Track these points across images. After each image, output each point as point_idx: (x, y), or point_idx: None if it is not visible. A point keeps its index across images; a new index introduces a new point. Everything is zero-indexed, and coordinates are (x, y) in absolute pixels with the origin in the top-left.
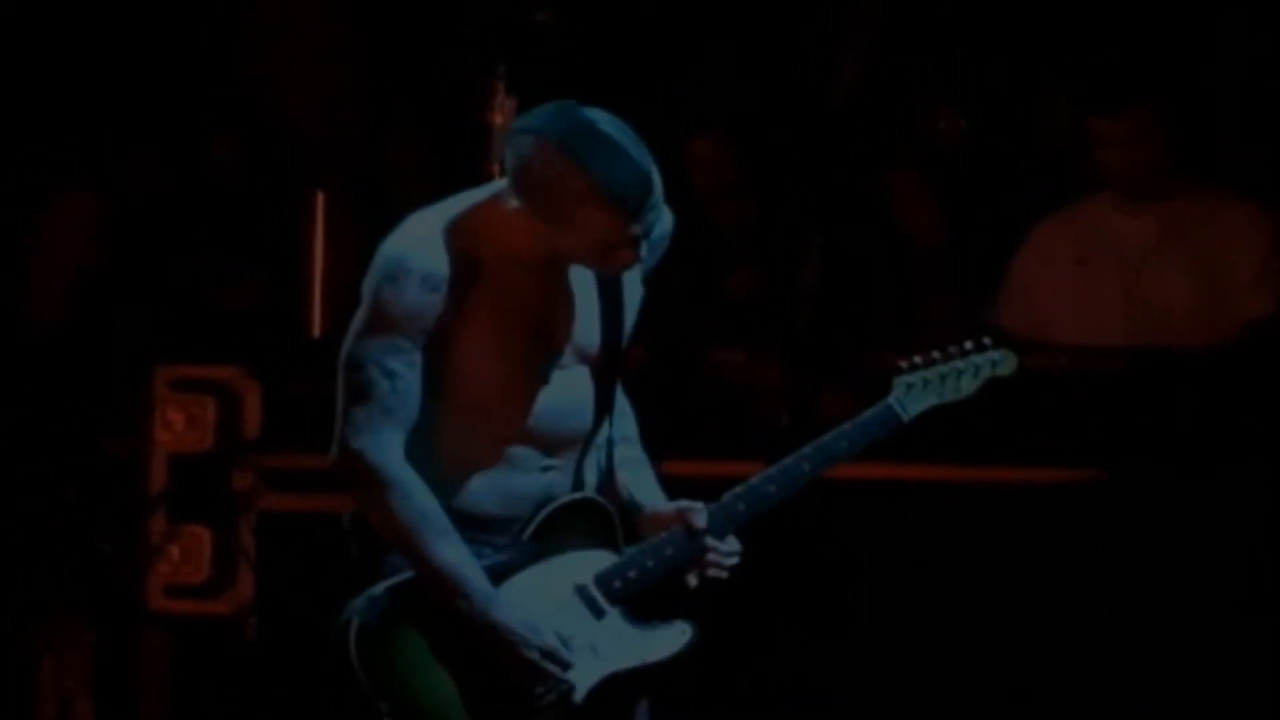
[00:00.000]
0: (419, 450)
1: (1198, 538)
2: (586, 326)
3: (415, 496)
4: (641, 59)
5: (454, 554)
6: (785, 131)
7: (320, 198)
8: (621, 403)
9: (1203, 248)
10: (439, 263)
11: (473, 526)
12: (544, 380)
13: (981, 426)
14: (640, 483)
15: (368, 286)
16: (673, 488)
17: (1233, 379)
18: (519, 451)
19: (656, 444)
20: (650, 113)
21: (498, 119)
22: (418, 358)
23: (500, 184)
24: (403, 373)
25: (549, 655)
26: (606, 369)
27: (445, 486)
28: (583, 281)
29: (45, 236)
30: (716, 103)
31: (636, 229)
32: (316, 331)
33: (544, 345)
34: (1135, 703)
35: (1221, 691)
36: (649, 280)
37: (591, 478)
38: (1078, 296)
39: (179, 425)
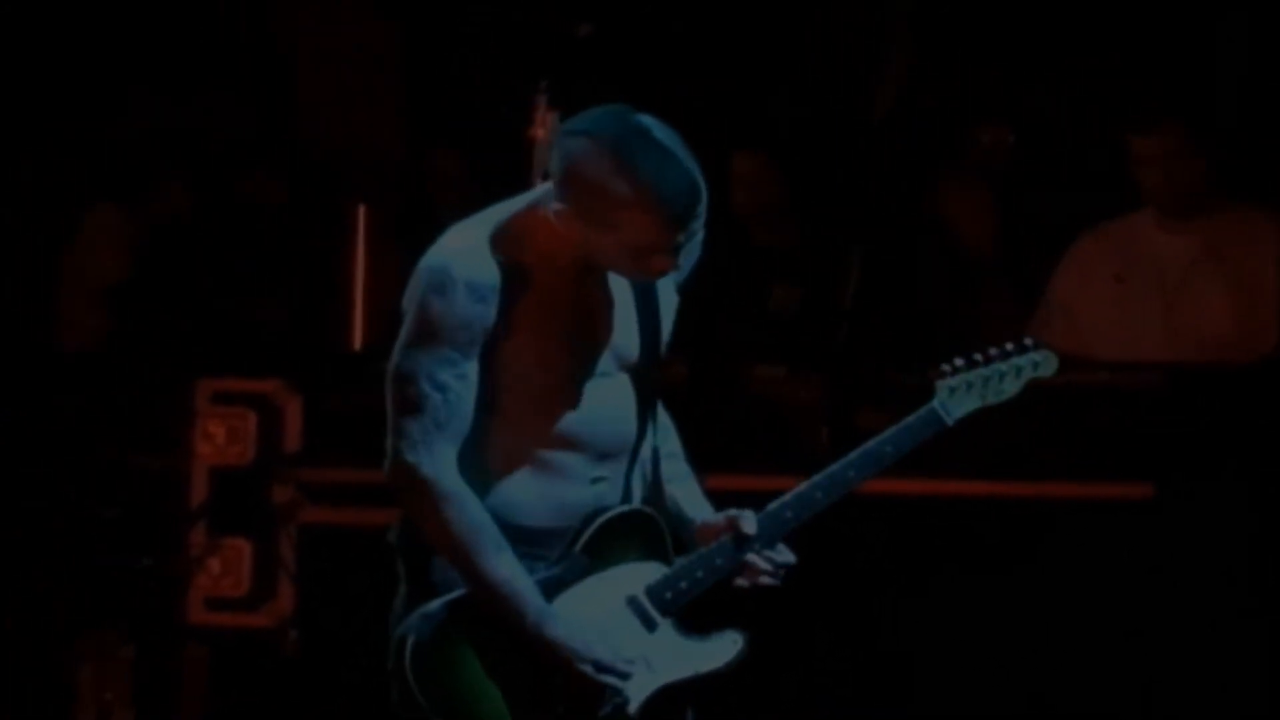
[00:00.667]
0: (468, 462)
1: (1238, 551)
2: (626, 334)
3: (470, 510)
4: (683, 73)
5: (508, 569)
6: (827, 149)
7: (362, 212)
8: (663, 417)
9: (1241, 265)
10: (485, 272)
11: (523, 540)
12: (585, 386)
13: (1021, 442)
14: (688, 496)
15: (412, 298)
16: (714, 502)
17: (1271, 395)
18: (567, 460)
19: (698, 459)
20: (691, 128)
21: (539, 133)
22: (467, 369)
23: (538, 192)
24: (453, 385)
25: (604, 669)
26: (646, 377)
27: (495, 499)
28: (620, 289)
29: (76, 253)
30: (759, 119)
31: (680, 237)
32: (357, 345)
33: (586, 351)
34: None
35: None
36: (684, 290)
37: (639, 489)
38: (1117, 313)
39: (220, 438)
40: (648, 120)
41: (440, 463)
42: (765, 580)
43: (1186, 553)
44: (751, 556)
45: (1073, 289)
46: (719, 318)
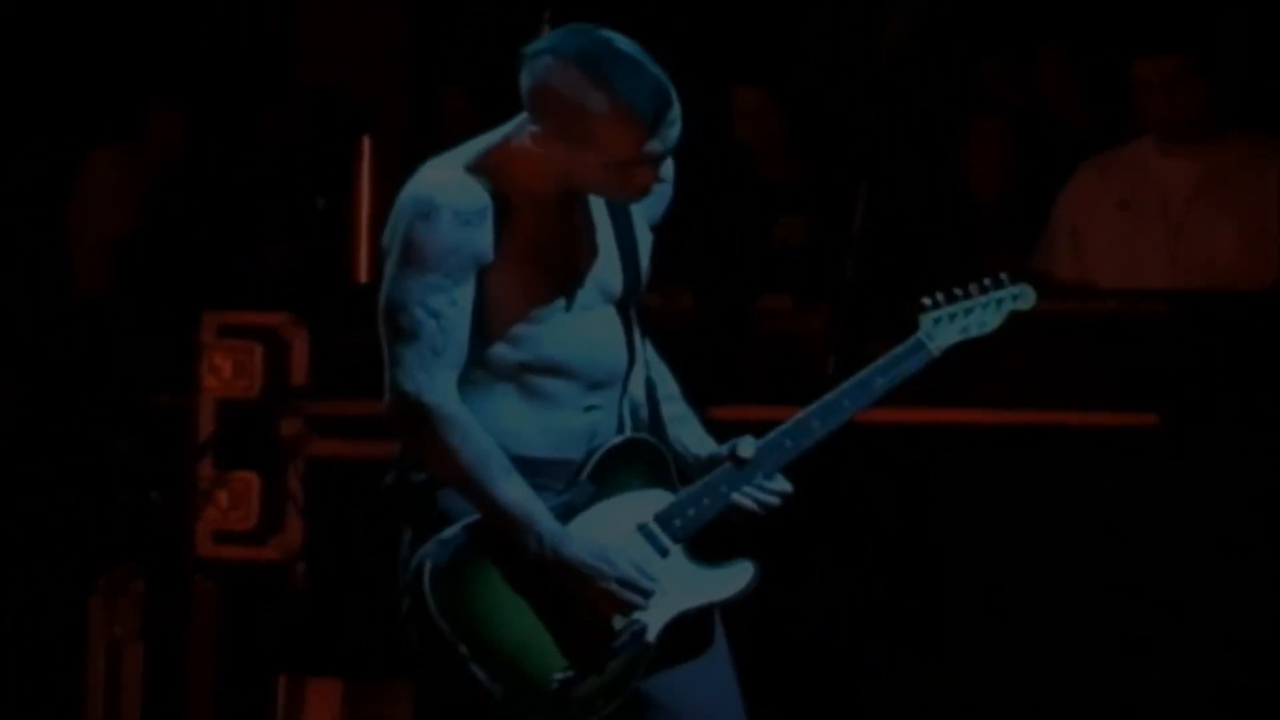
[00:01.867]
0: (462, 394)
1: (1243, 480)
2: (608, 266)
3: (474, 434)
4: (688, 6)
5: (519, 491)
6: (831, 82)
7: (367, 145)
8: (657, 360)
9: (1245, 192)
10: (469, 198)
11: (526, 471)
12: (571, 317)
13: (1024, 370)
14: (692, 435)
15: (395, 231)
16: (721, 433)
17: (1276, 323)
18: (558, 387)
19: (705, 391)
20: (694, 59)
21: None
22: (458, 295)
23: (511, 124)
24: (446, 311)
25: (627, 584)
26: (629, 310)
27: (493, 431)
28: (600, 222)
29: (78, 204)
30: (762, 53)
31: (656, 145)
32: (363, 277)
33: (568, 282)
34: (1182, 648)
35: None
36: (684, 229)
37: (629, 419)
38: (1121, 240)
39: (227, 372)
40: (610, 33)
41: (441, 388)
42: (761, 502)
43: (1191, 482)
44: (750, 488)
45: (1077, 217)
46: (725, 250)
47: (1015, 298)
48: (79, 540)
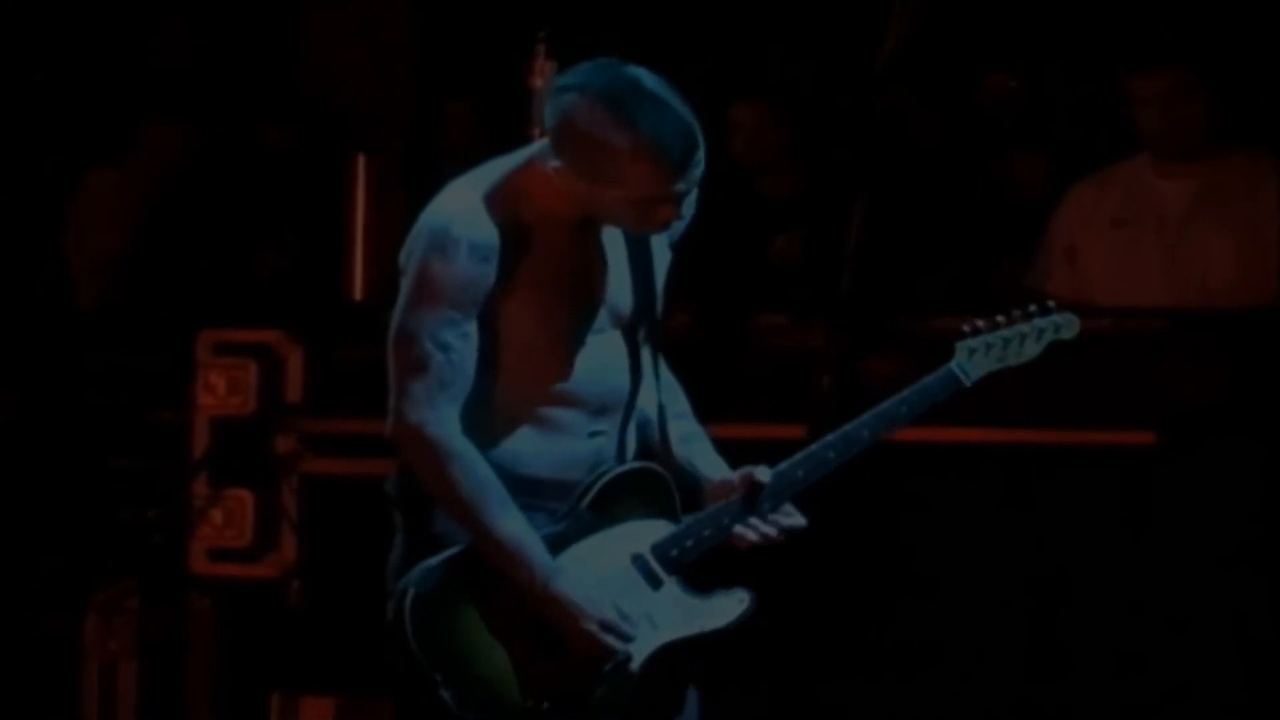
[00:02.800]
0: (469, 418)
1: (1240, 499)
2: (620, 290)
3: (476, 469)
4: (682, 22)
5: (515, 526)
6: (828, 96)
7: (361, 162)
8: (669, 378)
9: (1241, 209)
10: (485, 232)
11: (526, 491)
12: (582, 343)
13: (1021, 388)
14: (702, 455)
15: (412, 257)
16: (719, 452)
17: (1274, 341)
18: (566, 415)
19: (701, 409)
20: (691, 77)
21: (538, 83)
22: (470, 328)
23: (534, 147)
24: (456, 345)
25: (608, 628)
26: (640, 333)
27: (497, 452)
28: (614, 244)
29: (75, 223)
30: (760, 68)
31: (680, 185)
32: (358, 294)
33: (582, 308)
34: (1181, 667)
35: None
36: (677, 245)
37: (633, 444)
38: (1116, 259)
39: (221, 389)
40: (637, 70)
41: (445, 422)
42: (768, 533)
43: (1188, 500)
44: (756, 520)
45: (1071, 235)
46: (721, 267)
47: (1058, 327)
48: (75, 557)
